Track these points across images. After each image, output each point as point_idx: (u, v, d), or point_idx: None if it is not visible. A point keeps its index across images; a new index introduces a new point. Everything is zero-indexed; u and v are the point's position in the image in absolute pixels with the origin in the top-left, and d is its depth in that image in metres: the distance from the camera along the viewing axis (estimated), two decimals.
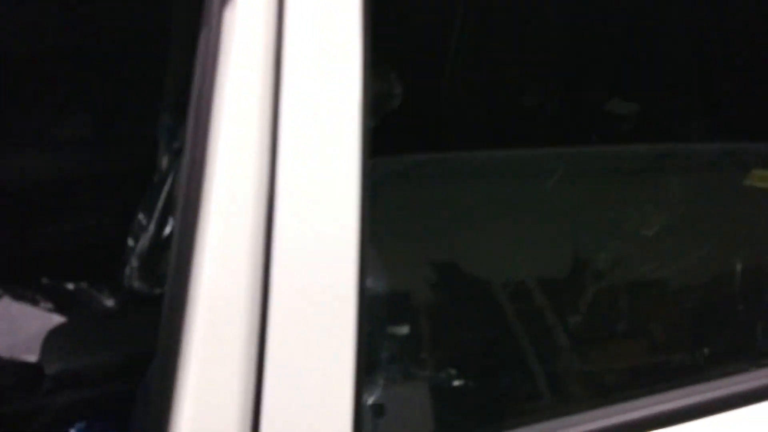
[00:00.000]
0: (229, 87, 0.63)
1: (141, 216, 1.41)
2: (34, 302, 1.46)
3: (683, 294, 1.26)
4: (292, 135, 0.65)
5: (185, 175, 0.62)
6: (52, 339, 1.19)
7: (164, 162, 1.41)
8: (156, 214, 1.37)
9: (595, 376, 1.07)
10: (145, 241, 1.38)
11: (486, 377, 0.98)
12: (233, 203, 0.62)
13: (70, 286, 1.52)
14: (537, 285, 1.08)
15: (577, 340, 1.08)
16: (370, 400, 0.76)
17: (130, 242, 1.42)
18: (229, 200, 0.62)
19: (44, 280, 1.51)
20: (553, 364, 1.03)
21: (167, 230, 1.36)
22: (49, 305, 1.47)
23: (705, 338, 1.17)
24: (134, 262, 1.40)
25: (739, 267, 1.22)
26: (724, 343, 1.17)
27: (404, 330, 0.93)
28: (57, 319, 1.44)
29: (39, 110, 1.69)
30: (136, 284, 1.38)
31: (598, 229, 1.18)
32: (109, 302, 1.50)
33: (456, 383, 0.91)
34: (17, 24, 1.59)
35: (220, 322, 0.61)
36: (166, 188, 1.37)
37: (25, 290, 1.47)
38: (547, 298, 1.07)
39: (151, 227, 1.37)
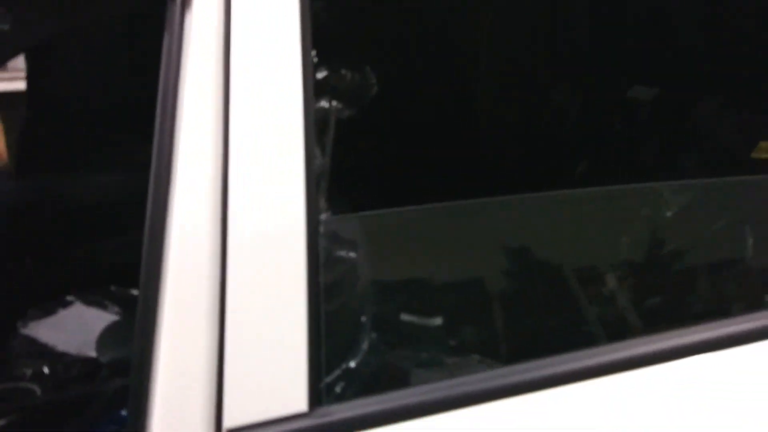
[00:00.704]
0: (187, 104, 0.74)
1: None
2: (104, 307, 1.63)
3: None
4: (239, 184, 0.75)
5: (152, 182, 0.73)
6: (107, 333, 1.35)
7: None
8: None
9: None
10: None
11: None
12: (191, 222, 0.73)
13: (135, 292, 1.69)
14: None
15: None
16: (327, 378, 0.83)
17: None
18: (187, 217, 0.73)
19: (112, 288, 1.69)
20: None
21: None
22: (117, 309, 1.64)
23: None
24: None
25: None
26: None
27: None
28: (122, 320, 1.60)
29: (116, 140, 1.91)
30: None
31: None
32: None
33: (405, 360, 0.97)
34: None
35: (184, 316, 0.72)
36: None
37: (95, 297, 1.64)
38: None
39: None
